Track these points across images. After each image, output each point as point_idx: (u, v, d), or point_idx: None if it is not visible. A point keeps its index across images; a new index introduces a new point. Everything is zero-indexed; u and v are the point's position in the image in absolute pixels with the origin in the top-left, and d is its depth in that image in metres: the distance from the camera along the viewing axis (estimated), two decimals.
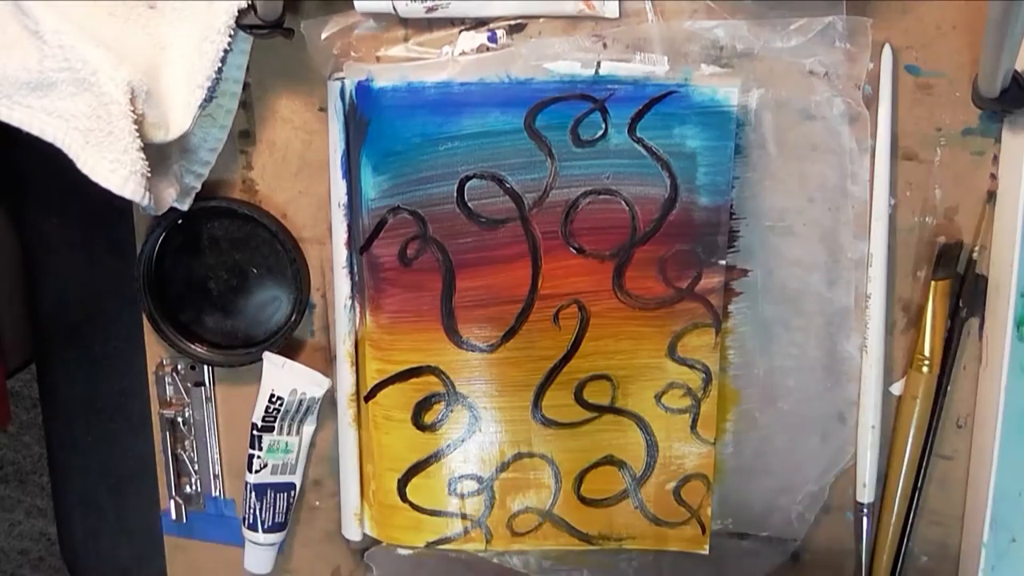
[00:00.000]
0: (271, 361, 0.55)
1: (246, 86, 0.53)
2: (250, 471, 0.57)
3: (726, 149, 0.50)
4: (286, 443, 0.57)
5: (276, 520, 0.58)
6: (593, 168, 0.51)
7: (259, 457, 0.56)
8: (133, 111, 0.45)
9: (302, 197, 0.55)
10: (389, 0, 0.49)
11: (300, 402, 0.56)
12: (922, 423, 0.52)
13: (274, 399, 0.55)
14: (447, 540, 0.56)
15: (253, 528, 0.58)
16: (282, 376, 0.55)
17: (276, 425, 0.56)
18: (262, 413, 0.56)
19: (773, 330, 0.53)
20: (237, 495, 0.60)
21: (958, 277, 0.51)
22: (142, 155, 0.45)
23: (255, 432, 0.56)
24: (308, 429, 0.57)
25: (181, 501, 0.61)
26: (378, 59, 0.52)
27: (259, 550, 0.58)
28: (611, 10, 0.49)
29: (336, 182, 0.53)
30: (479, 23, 0.51)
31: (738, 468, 0.55)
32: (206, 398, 0.60)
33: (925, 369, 0.52)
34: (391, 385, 0.54)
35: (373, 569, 0.58)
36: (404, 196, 0.52)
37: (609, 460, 0.55)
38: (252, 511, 0.57)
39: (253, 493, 0.57)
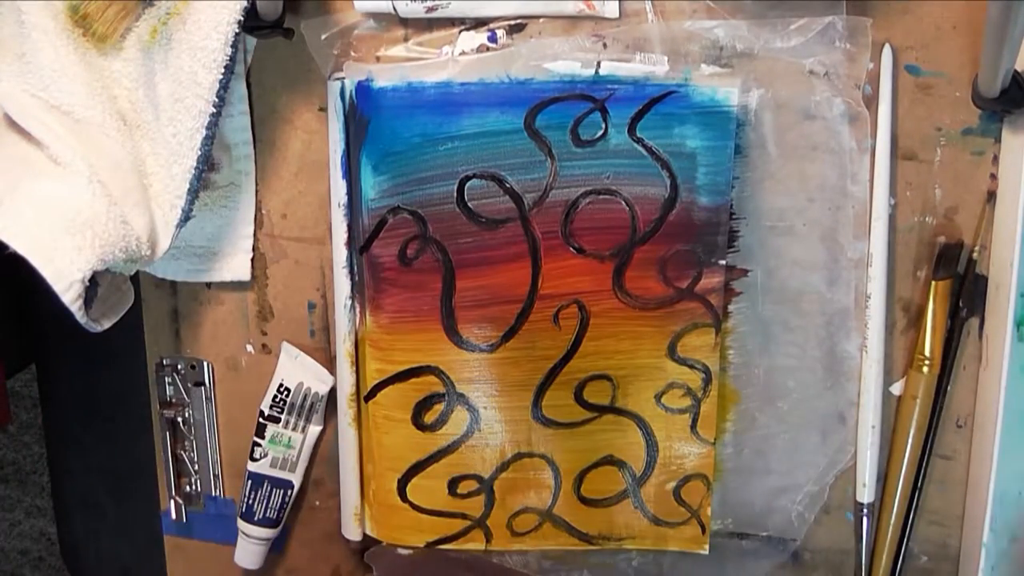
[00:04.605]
0: (287, 351, 0.56)
1: (247, 86, 0.53)
2: (251, 459, 0.57)
3: (726, 149, 0.50)
4: (289, 438, 0.57)
5: (268, 515, 0.58)
6: (593, 168, 0.51)
7: (261, 446, 0.57)
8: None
9: (302, 197, 0.55)
10: (389, 0, 0.49)
11: (305, 396, 0.56)
12: (922, 423, 0.52)
13: (282, 389, 0.56)
14: (447, 540, 0.56)
15: (246, 518, 0.58)
16: (293, 367, 0.56)
17: (282, 417, 0.56)
18: (270, 401, 0.56)
19: (773, 330, 0.53)
20: (237, 495, 0.60)
21: (958, 277, 0.51)
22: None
23: (261, 419, 0.57)
24: (314, 429, 0.57)
25: (181, 501, 0.62)
26: (378, 59, 0.52)
27: (249, 543, 0.58)
28: (611, 10, 0.49)
29: (336, 182, 0.53)
30: (479, 23, 0.51)
31: (738, 468, 0.55)
32: (206, 398, 0.60)
33: (925, 369, 0.52)
34: (391, 385, 0.54)
35: (373, 569, 0.58)
36: (404, 196, 0.52)
37: (609, 460, 0.55)
38: (247, 500, 0.57)
39: (251, 481, 0.57)
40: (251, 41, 0.53)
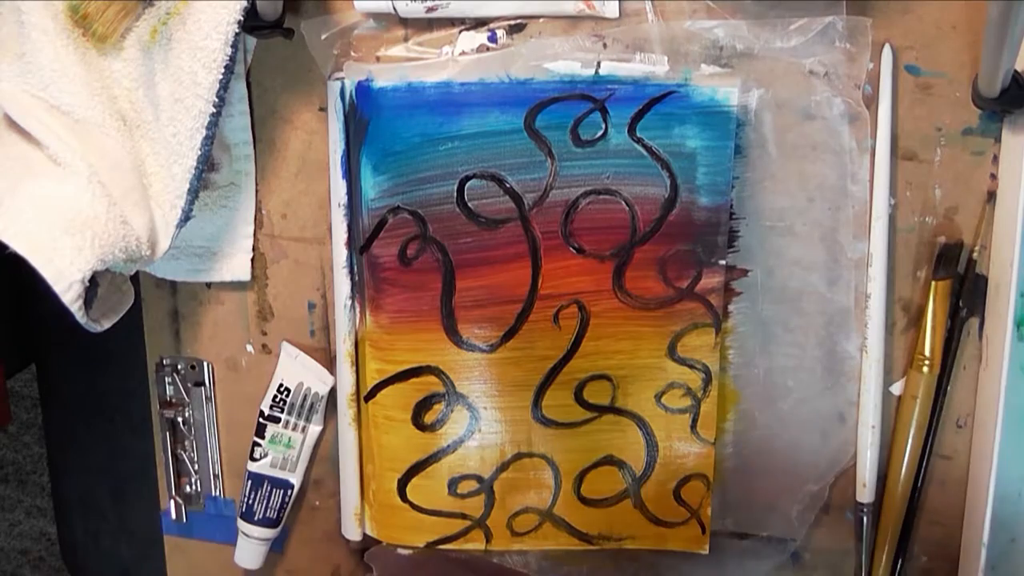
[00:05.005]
0: (286, 351, 0.56)
1: (247, 86, 0.53)
2: (251, 459, 0.57)
3: (726, 149, 0.50)
4: (289, 438, 0.57)
5: (268, 515, 0.58)
6: (593, 168, 0.51)
7: (261, 446, 0.57)
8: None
9: (302, 197, 0.55)
10: (389, 0, 0.49)
11: (305, 396, 0.56)
12: (922, 423, 0.52)
13: (282, 389, 0.56)
14: (447, 540, 0.56)
15: (246, 518, 0.58)
16: (294, 367, 0.56)
17: (282, 417, 0.56)
18: (270, 401, 0.56)
19: (773, 330, 0.53)
20: (237, 495, 0.60)
21: (958, 277, 0.51)
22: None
23: (261, 420, 0.57)
24: (314, 429, 0.57)
25: (181, 501, 0.62)
26: (378, 59, 0.52)
27: (250, 543, 0.58)
28: (611, 10, 0.49)
29: (336, 182, 0.53)
30: (479, 23, 0.51)
31: (738, 468, 0.55)
32: (206, 398, 0.60)
33: (925, 369, 0.52)
34: (391, 385, 0.54)
35: (373, 569, 0.58)
36: (404, 196, 0.52)
37: (609, 460, 0.55)
38: (247, 500, 0.58)
39: (250, 482, 0.57)
40: (251, 41, 0.53)
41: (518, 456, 0.55)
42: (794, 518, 0.55)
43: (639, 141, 0.50)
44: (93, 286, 0.47)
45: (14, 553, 1.10)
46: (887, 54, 0.49)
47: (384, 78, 0.50)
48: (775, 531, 0.56)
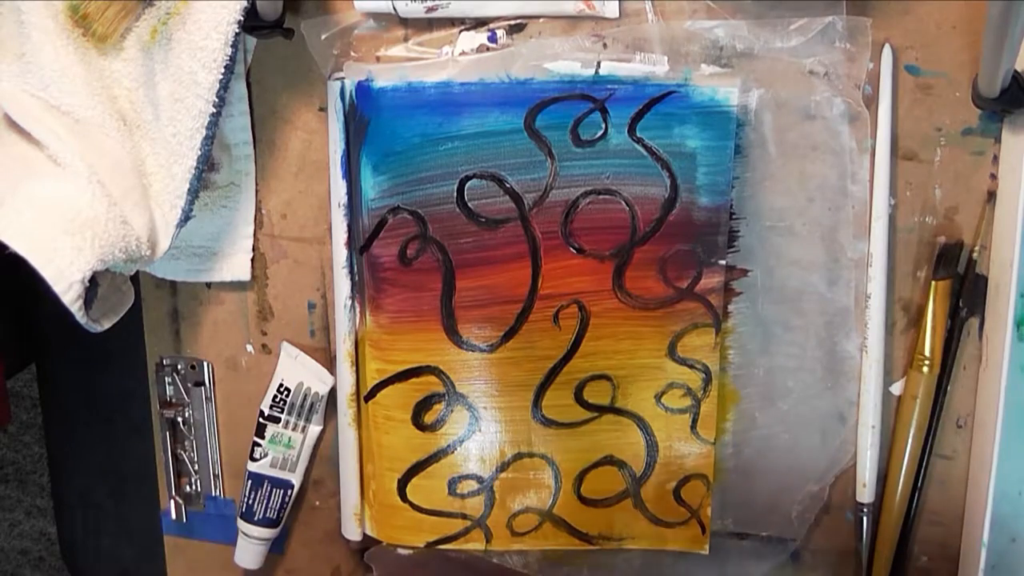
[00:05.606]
0: (286, 351, 0.56)
1: (247, 86, 0.53)
2: (251, 459, 0.57)
3: (726, 149, 0.50)
4: (289, 438, 0.57)
5: (268, 515, 0.58)
6: (593, 168, 0.51)
7: (261, 446, 0.57)
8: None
9: (302, 197, 0.55)
10: (389, 0, 0.49)
11: (305, 396, 0.56)
12: (922, 423, 0.52)
13: (282, 389, 0.56)
14: (447, 540, 0.56)
15: (246, 518, 0.58)
16: (294, 367, 0.56)
17: (282, 417, 0.56)
18: (270, 401, 0.56)
19: (773, 330, 0.53)
20: (237, 495, 0.60)
21: (958, 277, 0.51)
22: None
23: (261, 420, 0.57)
24: (314, 429, 0.57)
25: (181, 501, 0.62)
26: (378, 59, 0.52)
27: (250, 543, 0.58)
28: (611, 10, 0.49)
29: (336, 182, 0.53)
30: (479, 23, 0.51)
31: (738, 468, 0.55)
32: (206, 398, 0.60)
33: (925, 369, 0.52)
34: (391, 385, 0.54)
35: (373, 569, 0.58)
36: (404, 196, 0.52)
37: (609, 460, 0.55)
38: (247, 500, 0.58)
39: (251, 482, 0.57)
40: (251, 41, 0.53)
41: (518, 456, 0.55)
42: (794, 518, 0.55)
43: (639, 141, 0.50)
44: (93, 286, 0.47)
45: (14, 553, 1.10)
46: (887, 54, 0.49)
47: (384, 78, 0.50)
48: (775, 531, 0.56)
